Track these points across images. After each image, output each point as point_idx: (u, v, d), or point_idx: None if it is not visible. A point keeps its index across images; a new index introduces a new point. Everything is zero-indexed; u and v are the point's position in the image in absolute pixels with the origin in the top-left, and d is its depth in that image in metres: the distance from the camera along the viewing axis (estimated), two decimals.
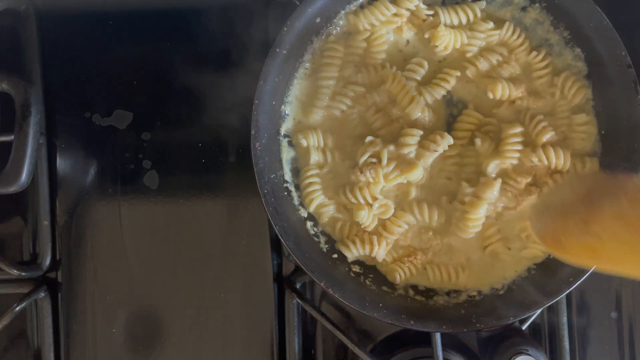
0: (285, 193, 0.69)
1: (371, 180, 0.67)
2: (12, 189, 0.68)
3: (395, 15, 0.68)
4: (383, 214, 0.68)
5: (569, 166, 0.66)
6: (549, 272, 0.67)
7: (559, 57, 0.69)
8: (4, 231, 0.78)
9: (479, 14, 0.68)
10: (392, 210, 0.68)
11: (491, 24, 0.68)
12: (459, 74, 0.68)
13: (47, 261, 0.76)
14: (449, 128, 0.69)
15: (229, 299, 0.76)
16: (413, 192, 0.68)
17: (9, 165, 0.69)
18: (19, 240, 0.78)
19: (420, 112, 0.67)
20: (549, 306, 0.70)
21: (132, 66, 0.77)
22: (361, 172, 0.67)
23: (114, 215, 0.77)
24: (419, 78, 0.68)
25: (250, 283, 0.76)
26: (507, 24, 0.68)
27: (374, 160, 0.67)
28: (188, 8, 0.77)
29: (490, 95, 0.67)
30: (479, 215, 0.66)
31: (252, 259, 0.76)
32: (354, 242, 0.68)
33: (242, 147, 0.77)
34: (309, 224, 0.69)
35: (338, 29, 0.69)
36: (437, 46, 0.67)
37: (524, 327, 0.73)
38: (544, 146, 0.66)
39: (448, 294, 0.69)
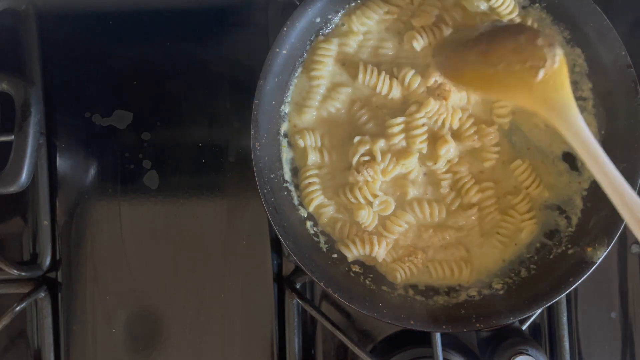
0: (285, 193, 0.69)
1: (369, 178, 0.67)
2: (12, 189, 0.68)
3: (387, 12, 0.68)
4: (384, 211, 0.68)
5: None
6: (548, 272, 0.67)
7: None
8: (4, 231, 0.78)
9: None
10: (393, 207, 0.68)
11: None
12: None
13: (47, 261, 0.76)
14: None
15: (229, 299, 0.76)
16: (411, 192, 0.68)
17: (9, 165, 0.69)
18: (19, 240, 0.78)
19: (400, 93, 0.67)
20: (549, 306, 0.71)
21: (132, 66, 0.77)
22: (358, 172, 0.67)
23: (114, 215, 0.77)
24: (391, 52, 0.69)
25: (250, 283, 0.76)
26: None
27: (367, 158, 0.67)
28: (188, 8, 0.77)
29: None
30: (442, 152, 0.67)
31: (252, 259, 0.76)
32: (354, 242, 0.68)
33: (242, 147, 0.77)
34: (308, 223, 0.69)
35: (337, 28, 0.69)
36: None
37: (524, 327, 0.73)
38: None
39: (448, 293, 0.69)
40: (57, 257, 0.77)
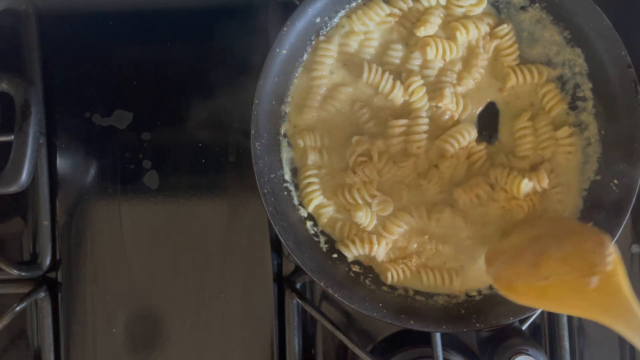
0: (285, 193, 0.69)
1: (365, 179, 0.67)
2: (12, 189, 0.68)
3: (390, 15, 0.68)
4: (382, 211, 0.68)
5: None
6: None
7: (557, 56, 0.69)
8: (4, 231, 0.78)
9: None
10: (392, 207, 0.68)
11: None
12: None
13: (47, 261, 0.76)
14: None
15: (229, 299, 0.76)
16: (406, 196, 0.69)
17: (9, 165, 0.69)
18: (19, 240, 0.78)
19: (402, 98, 0.67)
20: None
21: (132, 66, 0.77)
22: (354, 172, 0.67)
23: (114, 215, 0.77)
24: (397, 62, 0.68)
25: (250, 283, 0.76)
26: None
27: (364, 159, 0.67)
28: (188, 8, 0.77)
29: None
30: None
31: (252, 259, 0.76)
32: (353, 242, 0.68)
33: (242, 147, 0.77)
34: (308, 223, 0.69)
35: (337, 28, 0.69)
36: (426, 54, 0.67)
37: (524, 327, 0.73)
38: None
39: (448, 294, 0.69)
40: (57, 257, 0.77)
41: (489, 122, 0.70)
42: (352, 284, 0.68)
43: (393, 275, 0.68)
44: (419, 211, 0.68)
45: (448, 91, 0.67)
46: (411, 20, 0.68)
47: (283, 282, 0.77)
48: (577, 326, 0.78)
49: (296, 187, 0.70)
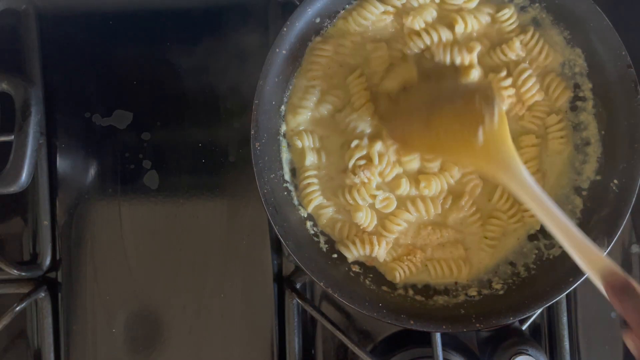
0: (285, 193, 0.69)
1: (365, 180, 0.67)
2: (12, 189, 0.68)
3: (384, 13, 0.68)
4: (386, 208, 0.68)
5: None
6: (548, 272, 0.67)
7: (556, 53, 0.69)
8: (4, 231, 0.78)
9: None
10: (395, 203, 0.68)
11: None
12: None
13: (47, 261, 0.76)
14: None
15: (229, 299, 0.76)
16: (405, 190, 0.68)
17: (9, 165, 0.69)
18: (19, 240, 0.78)
19: (364, 124, 0.67)
20: (549, 306, 0.71)
21: (132, 66, 0.77)
22: (354, 174, 0.67)
23: (114, 215, 0.77)
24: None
25: (250, 283, 0.76)
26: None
27: (363, 161, 0.67)
28: (188, 8, 0.77)
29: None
30: None
31: (252, 259, 0.76)
32: (354, 243, 0.68)
33: (242, 147, 0.77)
34: (308, 223, 0.69)
35: (335, 28, 0.69)
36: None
37: (524, 327, 0.73)
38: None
39: (447, 293, 0.69)
40: (57, 257, 0.77)
41: None
42: (352, 284, 0.68)
43: (400, 274, 0.68)
44: (415, 204, 0.68)
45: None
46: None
47: (283, 282, 0.77)
48: (577, 326, 0.78)
49: (296, 187, 0.70)
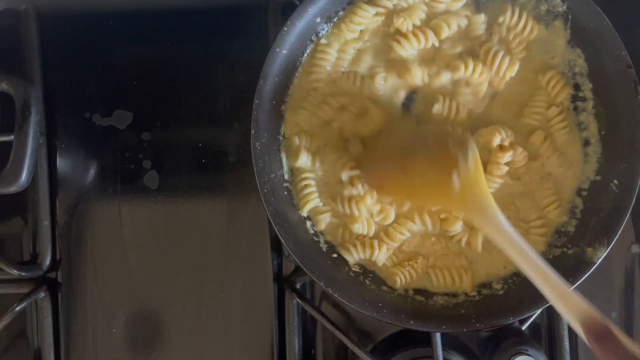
0: (285, 193, 0.69)
1: (362, 192, 0.67)
2: (12, 189, 0.68)
3: (376, 15, 0.67)
4: (384, 220, 0.68)
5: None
6: None
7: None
8: (4, 231, 0.78)
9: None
10: (393, 217, 0.68)
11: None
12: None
13: (47, 261, 0.76)
14: None
15: (229, 299, 0.76)
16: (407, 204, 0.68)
17: (9, 165, 0.69)
18: (19, 240, 0.78)
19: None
20: (549, 306, 0.70)
21: (132, 66, 0.77)
22: (352, 184, 0.67)
23: (114, 215, 0.77)
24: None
25: (250, 283, 0.76)
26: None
27: (357, 172, 0.67)
28: (188, 8, 0.77)
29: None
30: None
31: (252, 259, 0.76)
32: (354, 246, 0.68)
33: (242, 147, 0.77)
34: (308, 223, 0.69)
35: (335, 33, 0.69)
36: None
37: (524, 327, 0.73)
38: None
39: (447, 293, 0.69)
40: (57, 257, 0.77)
41: None
42: (352, 284, 0.68)
43: (401, 279, 0.68)
44: (423, 218, 0.68)
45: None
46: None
47: (283, 282, 0.77)
48: None
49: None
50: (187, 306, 0.76)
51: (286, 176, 0.69)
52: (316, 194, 0.69)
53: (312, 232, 0.69)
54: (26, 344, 0.78)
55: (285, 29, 0.64)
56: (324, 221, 0.69)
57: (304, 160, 0.68)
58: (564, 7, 0.66)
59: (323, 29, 0.68)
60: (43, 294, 0.75)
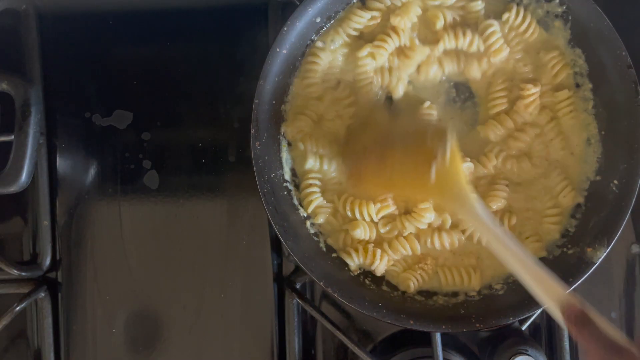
0: (285, 192, 0.69)
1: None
2: (12, 189, 0.68)
3: (372, 19, 0.67)
4: (389, 233, 0.68)
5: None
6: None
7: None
8: (4, 231, 0.78)
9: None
10: (400, 229, 0.68)
11: None
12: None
13: (47, 261, 0.76)
14: None
15: (229, 299, 0.76)
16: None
17: (9, 165, 0.69)
18: (19, 240, 0.78)
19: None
20: None
21: (132, 66, 0.77)
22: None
23: (114, 215, 0.77)
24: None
25: (250, 283, 0.76)
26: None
27: None
28: (188, 8, 0.77)
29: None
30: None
31: (252, 259, 0.76)
32: (356, 250, 0.68)
33: (242, 147, 0.77)
34: (308, 223, 0.69)
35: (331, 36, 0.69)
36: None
37: (523, 327, 0.73)
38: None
39: (447, 294, 0.69)
40: (57, 257, 0.77)
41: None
42: (352, 283, 0.68)
43: (414, 283, 0.68)
44: (431, 238, 0.68)
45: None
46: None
47: (283, 282, 0.77)
48: None
49: (296, 187, 0.70)
50: (187, 306, 0.76)
51: (286, 176, 0.69)
52: (319, 194, 0.68)
53: (312, 231, 0.69)
54: (26, 344, 0.78)
55: (285, 29, 0.65)
56: (323, 215, 0.69)
57: (311, 163, 0.68)
58: (564, 7, 0.66)
59: (323, 29, 0.68)
60: (43, 294, 0.75)
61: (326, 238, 0.70)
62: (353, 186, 0.68)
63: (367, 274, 0.69)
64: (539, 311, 0.69)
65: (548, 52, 0.67)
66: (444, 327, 0.65)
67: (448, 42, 0.66)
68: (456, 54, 0.67)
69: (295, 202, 0.69)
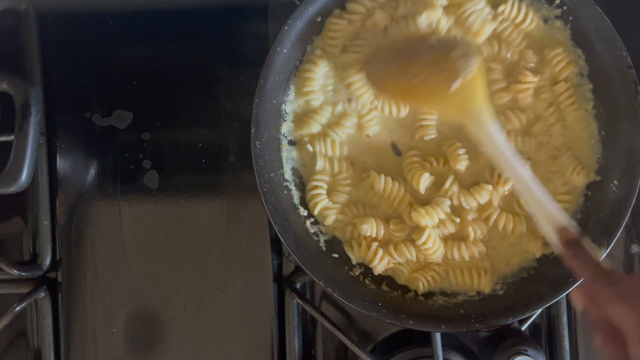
0: (285, 192, 0.69)
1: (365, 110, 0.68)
2: (12, 189, 0.68)
3: (350, 22, 0.67)
4: (399, 232, 0.68)
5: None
6: (548, 272, 0.67)
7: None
8: (4, 231, 0.78)
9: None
10: (408, 230, 0.68)
11: None
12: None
13: (47, 261, 0.76)
14: None
15: (229, 299, 0.76)
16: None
17: (9, 165, 0.69)
18: (19, 240, 0.78)
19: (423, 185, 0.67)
20: (549, 306, 0.70)
21: (132, 66, 0.77)
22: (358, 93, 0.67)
23: (114, 215, 0.77)
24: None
25: (250, 283, 0.76)
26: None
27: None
28: (188, 8, 0.77)
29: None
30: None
31: (252, 259, 0.76)
32: (358, 244, 0.68)
33: (242, 147, 0.77)
34: (308, 222, 0.69)
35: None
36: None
37: (523, 327, 0.73)
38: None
39: (447, 294, 0.69)
40: (57, 257, 0.77)
41: None
42: (352, 284, 0.68)
43: (424, 284, 0.68)
44: (451, 250, 0.68)
45: None
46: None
47: (283, 282, 0.77)
48: (577, 326, 0.78)
49: (296, 186, 0.70)
50: (187, 306, 0.76)
51: (286, 175, 0.69)
52: (324, 195, 0.68)
53: (312, 231, 0.69)
54: (26, 344, 0.78)
55: (286, 28, 0.65)
56: (331, 217, 0.69)
57: (321, 165, 0.68)
58: (564, 8, 0.66)
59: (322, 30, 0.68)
60: (43, 294, 0.75)
61: (334, 232, 0.70)
62: (373, 85, 0.67)
63: (367, 274, 0.69)
64: (538, 311, 0.69)
65: (553, 49, 0.67)
66: (443, 327, 0.65)
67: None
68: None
69: (295, 201, 0.69)
